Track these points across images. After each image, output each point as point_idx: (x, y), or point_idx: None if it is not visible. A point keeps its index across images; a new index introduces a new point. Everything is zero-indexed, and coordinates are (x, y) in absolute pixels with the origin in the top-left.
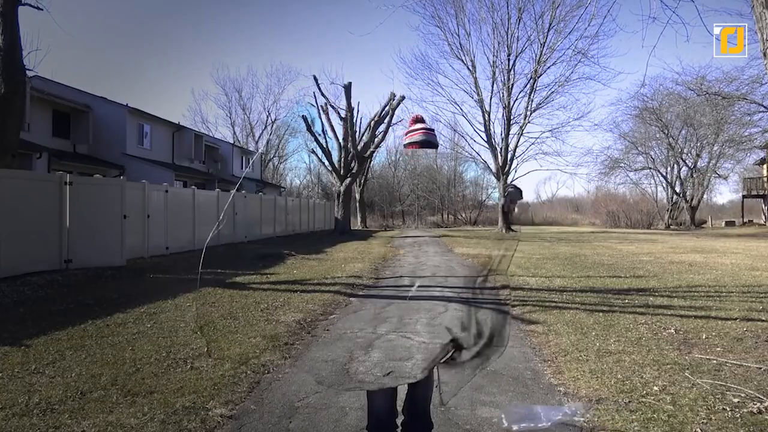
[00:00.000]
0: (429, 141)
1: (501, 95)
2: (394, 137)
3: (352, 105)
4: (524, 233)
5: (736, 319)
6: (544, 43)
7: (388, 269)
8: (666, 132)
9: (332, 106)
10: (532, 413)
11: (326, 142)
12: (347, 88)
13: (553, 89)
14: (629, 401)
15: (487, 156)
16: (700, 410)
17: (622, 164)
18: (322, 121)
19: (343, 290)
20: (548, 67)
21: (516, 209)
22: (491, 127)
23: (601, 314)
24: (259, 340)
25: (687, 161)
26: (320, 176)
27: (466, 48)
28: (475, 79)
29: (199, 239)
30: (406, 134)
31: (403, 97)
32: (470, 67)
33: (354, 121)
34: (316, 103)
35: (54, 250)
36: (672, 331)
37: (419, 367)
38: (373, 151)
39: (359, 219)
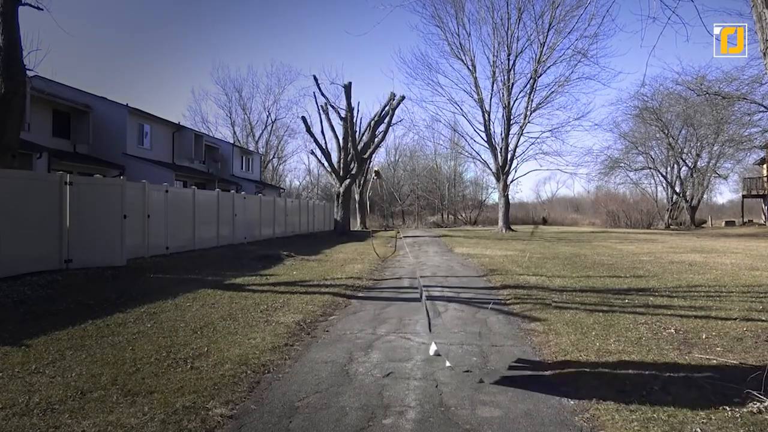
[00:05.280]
0: None
1: (501, 95)
2: (394, 137)
3: (352, 105)
4: (524, 233)
5: (736, 319)
6: (544, 43)
7: (388, 270)
8: (666, 132)
9: (332, 106)
10: None
11: (325, 143)
12: (347, 88)
13: (553, 89)
14: (629, 401)
15: (487, 156)
16: (700, 410)
17: (622, 164)
18: (321, 121)
19: (342, 291)
20: (548, 67)
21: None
22: (491, 127)
23: (601, 314)
24: (259, 341)
25: (687, 161)
26: (320, 177)
27: (466, 48)
28: (475, 79)
29: (200, 239)
30: None
31: (403, 97)
32: (470, 67)
33: (354, 121)
34: (316, 103)
35: (54, 250)
36: (672, 330)
37: (419, 368)
38: (373, 152)
39: (359, 220)
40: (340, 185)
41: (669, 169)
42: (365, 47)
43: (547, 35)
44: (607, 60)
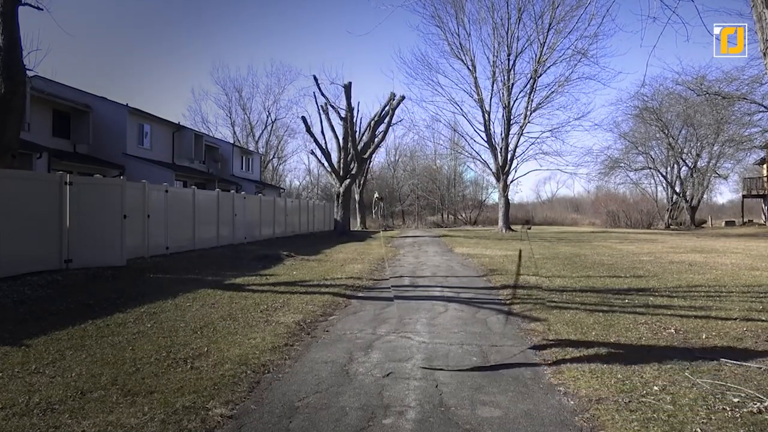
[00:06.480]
0: None
1: (501, 95)
2: (394, 137)
3: (352, 105)
4: (524, 233)
5: (736, 319)
6: (544, 43)
7: (388, 270)
8: (666, 132)
9: (332, 106)
10: None
11: (325, 143)
12: (347, 88)
13: (553, 89)
14: (629, 401)
15: (487, 156)
16: (700, 410)
17: (622, 164)
18: (321, 121)
19: (342, 291)
20: (548, 67)
21: None
22: (491, 127)
23: (601, 314)
24: (259, 341)
25: (687, 161)
26: (320, 177)
27: (466, 48)
28: (475, 78)
29: (199, 239)
30: None
31: (403, 97)
32: (470, 67)
33: (354, 121)
34: (316, 103)
35: (54, 250)
36: (672, 330)
37: (419, 368)
38: (373, 152)
39: (359, 220)
40: (340, 185)
41: (669, 169)
42: (365, 47)
43: (547, 35)
44: (607, 60)
